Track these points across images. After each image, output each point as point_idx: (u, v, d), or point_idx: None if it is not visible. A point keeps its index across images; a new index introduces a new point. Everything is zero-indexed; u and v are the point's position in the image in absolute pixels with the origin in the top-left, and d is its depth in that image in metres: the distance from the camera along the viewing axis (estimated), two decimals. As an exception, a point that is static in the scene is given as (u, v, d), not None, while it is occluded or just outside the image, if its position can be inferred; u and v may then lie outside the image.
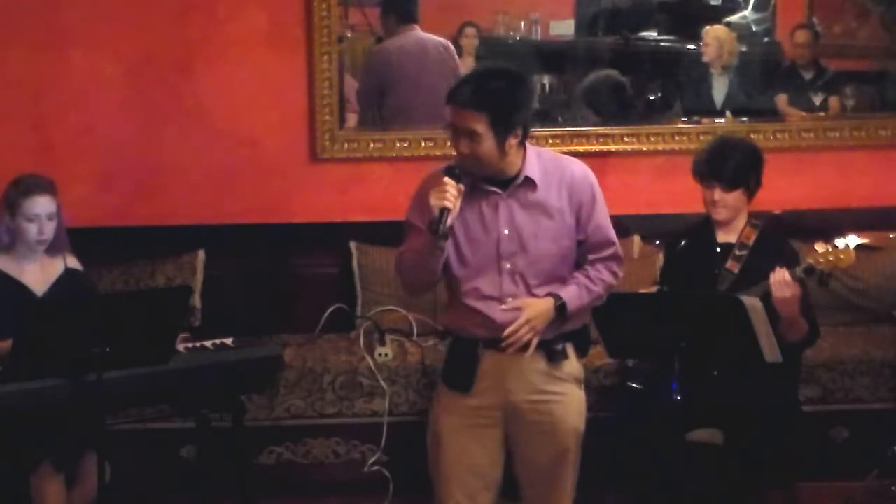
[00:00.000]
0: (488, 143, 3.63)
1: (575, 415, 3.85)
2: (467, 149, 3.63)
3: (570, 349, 3.84)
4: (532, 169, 3.74)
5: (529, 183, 3.73)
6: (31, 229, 4.28)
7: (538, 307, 3.71)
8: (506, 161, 3.71)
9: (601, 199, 3.85)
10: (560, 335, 3.80)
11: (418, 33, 5.70)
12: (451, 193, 3.57)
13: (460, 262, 3.76)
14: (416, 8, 5.70)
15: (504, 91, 3.66)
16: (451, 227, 3.64)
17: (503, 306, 3.73)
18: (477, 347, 3.79)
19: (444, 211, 3.57)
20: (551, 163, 3.80)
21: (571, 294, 3.77)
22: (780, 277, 4.04)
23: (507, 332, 3.68)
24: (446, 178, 3.60)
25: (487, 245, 3.74)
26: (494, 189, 3.74)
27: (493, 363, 3.78)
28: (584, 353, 3.93)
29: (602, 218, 3.84)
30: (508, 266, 3.73)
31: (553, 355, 3.78)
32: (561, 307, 3.74)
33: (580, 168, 3.84)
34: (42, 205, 4.28)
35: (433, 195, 3.59)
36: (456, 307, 3.84)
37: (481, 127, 3.60)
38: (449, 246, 3.72)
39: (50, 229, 4.30)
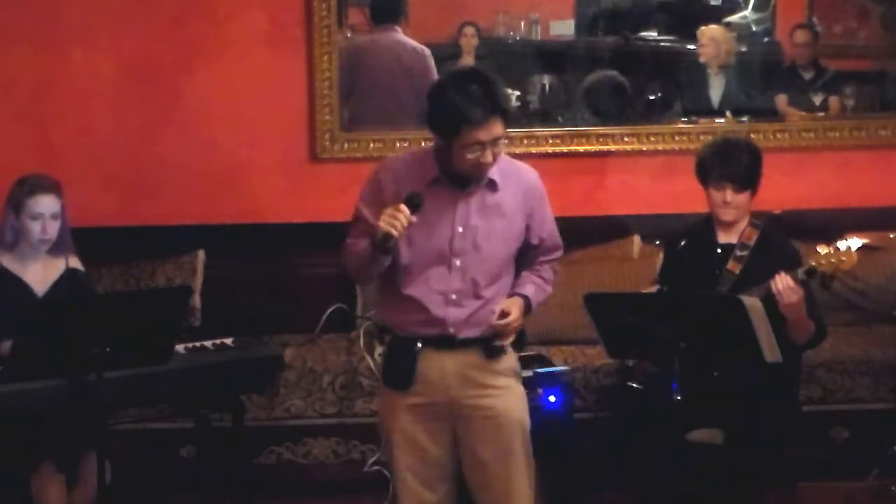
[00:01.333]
0: (503, 144, 3.67)
1: (518, 407, 3.83)
2: (492, 157, 3.63)
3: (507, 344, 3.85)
4: (493, 170, 3.73)
5: (491, 184, 3.74)
6: (35, 228, 4.27)
7: (517, 305, 3.76)
8: None
9: (548, 204, 3.89)
10: (497, 332, 3.79)
11: (396, 35, 5.66)
12: (400, 223, 3.55)
13: (411, 251, 3.72)
14: (397, 9, 5.66)
15: (501, 89, 3.69)
16: (394, 247, 3.63)
17: (496, 321, 3.73)
18: (414, 345, 3.77)
19: (388, 238, 3.56)
20: (507, 165, 3.81)
21: (531, 292, 3.82)
22: (786, 284, 4.03)
23: (500, 324, 3.70)
24: (402, 206, 3.57)
25: (441, 240, 3.72)
26: (456, 187, 3.73)
27: (431, 361, 3.77)
28: (520, 346, 3.94)
29: (552, 222, 3.90)
30: (458, 263, 3.72)
31: (491, 351, 3.78)
32: (528, 303, 3.80)
33: (534, 174, 3.86)
34: (46, 204, 4.28)
35: (383, 218, 3.56)
36: (394, 300, 3.79)
37: (501, 129, 3.63)
38: (402, 240, 3.69)
39: (53, 229, 4.30)
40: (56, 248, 4.35)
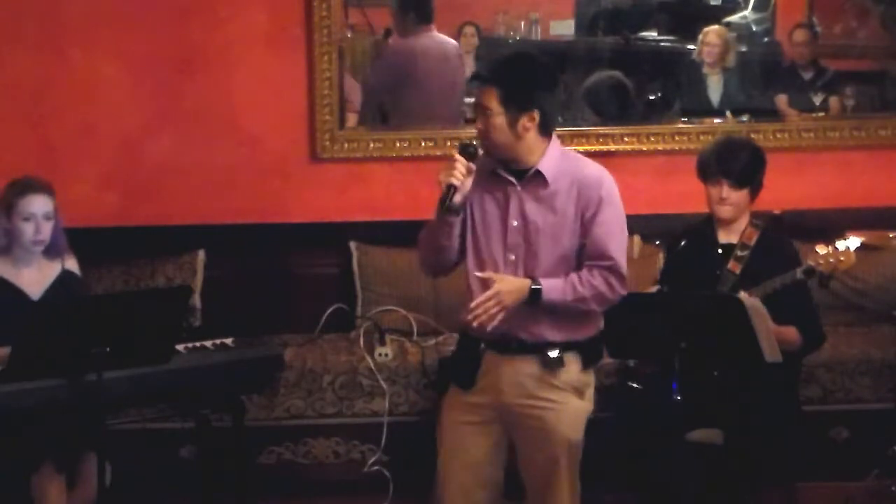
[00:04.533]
0: (499, 121, 3.63)
1: (568, 425, 3.76)
2: (481, 125, 3.66)
3: (570, 358, 3.75)
4: (548, 165, 3.70)
5: (540, 177, 3.71)
6: (28, 229, 4.25)
7: (511, 283, 3.65)
8: (521, 146, 3.68)
9: (613, 211, 3.72)
10: (559, 342, 3.73)
11: (437, 34, 5.69)
12: (458, 171, 3.59)
13: (474, 248, 3.75)
14: (433, 9, 5.68)
15: (519, 69, 3.69)
16: (463, 206, 3.66)
17: (477, 273, 3.69)
18: (479, 346, 3.78)
19: (451, 188, 3.59)
20: (571, 162, 3.76)
21: (552, 284, 3.67)
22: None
23: (474, 303, 3.62)
24: (457, 155, 3.62)
25: (497, 234, 3.73)
26: (510, 178, 3.73)
27: (491, 362, 3.77)
28: (590, 363, 3.83)
29: (606, 229, 3.70)
30: (513, 258, 3.71)
31: (547, 361, 3.72)
32: (535, 292, 3.65)
33: (596, 170, 3.77)
34: (38, 204, 4.25)
35: (443, 171, 3.62)
36: (466, 299, 3.79)
37: (493, 102, 3.62)
38: (467, 231, 3.74)
39: (47, 230, 4.27)
40: (51, 251, 4.33)
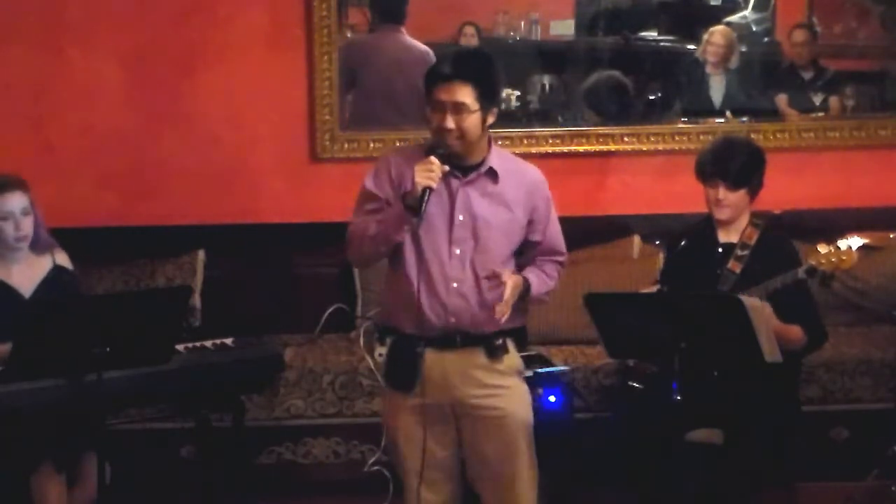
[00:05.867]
0: (474, 117, 3.64)
1: (522, 407, 3.83)
2: (453, 123, 3.62)
3: (510, 343, 3.83)
4: (495, 161, 3.75)
5: (492, 174, 3.74)
6: (8, 228, 4.25)
7: (516, 279, 3.73)
8: (479, 143, 3.72)
9: (554, 209, 3.89)
10: (500, 331, 3.78)
11: (401, 36, 5.64)
12: (436, 174, 3.58)
13: (413, 241, 3.73)
14: (401, 10, 5.65)
15: (487, 64, 3.71)
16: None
17: (484, 274, 3.70)
18: (417, 346, 3.77)
19: (427, 190, 3.58)
20: (512, 162, 3.83)
21: (535, 280, 3.80)
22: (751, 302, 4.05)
23: (504, 302, 3.65)
24: (432, 158, 3.60)
25: (441, 228, 3.72)
26: (455, 173, 3.73)
27: (434, 361, 3.76)
28: (523, 346, 3.95)
29: (556, 225, 3.90)
30: (458, 251, 3.72)
31: (493, 350, 3.77)
32: (528, 287, 3.76)
33: (538, 173, 3.87)
34: (13, 201, 4.25)
35: (419, 173, 3.58)
36: (397, 296, 3.81)
37: (468, 98, 3.61)
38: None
39: (27, 225, 4.27)
40: (37, 246, 4.34)
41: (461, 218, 3.72)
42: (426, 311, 3.72)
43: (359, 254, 3.88)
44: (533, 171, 3.86)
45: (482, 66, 3.69)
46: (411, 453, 3.81)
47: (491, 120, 3.71)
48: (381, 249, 3.79)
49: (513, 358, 3.85)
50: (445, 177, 3.68)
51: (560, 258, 3.92)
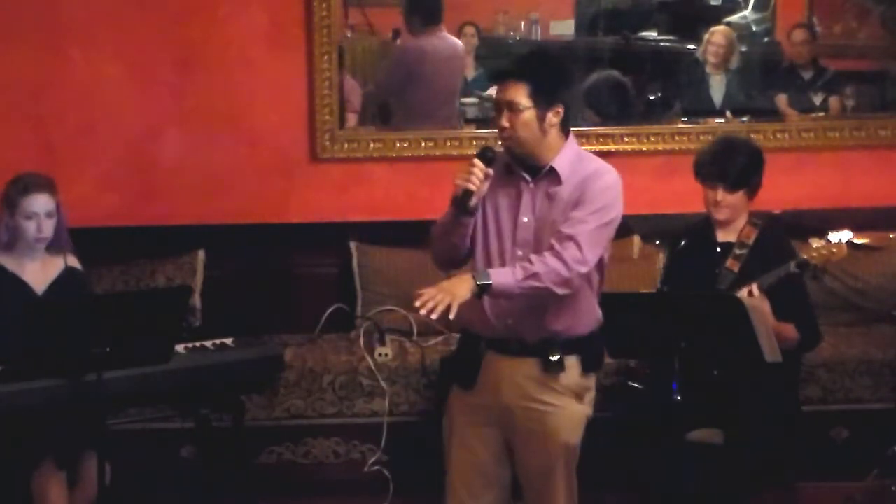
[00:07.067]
0: (528, 116, 3.61)
1: (567, 429, 3.75)
2: (507, 122, 3.62)
3: (571, 362, 3.73)
4: (563, 162, 3.68)
5: (554, 174, 3.68)
6: (30, 227, 4.26)
7: (458, 279, 3.55)
8: (544, 143, 3.66)
9: (600, 210, 3.63)
10: (557, 344, 3.70)
11: (446, 35, 5.69)
12: (476, 176, 3.57)
13: (483, 243, 3.73)
14: (440, 10, 5.67)
15: (545, 64, 3.69)
16: (477, 207, 3.64)
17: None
18: (480, 344, 3.77)
19: (468, 192, 3.58)
20: (582, 162, 3.73)
21: (500, 270, 3.59)
22: (752, 294, 4.05)
23: (422, 295, 3.48)
24: (475, 160, 3.60)
25: (507, 230, 3.71)
26: (524, 175, 3.71)
27: (491, 362, 3.76)
28: (590, 368, 3.81)
29: (582, 218, 3.60)
30: (520, 254, 3.68)
31: (548, 365, 3.71)
32: (484, 278, 3.55)
33: (599, 165, 3.73)
34: (40, 203, 4.26)
35: (458, 174, 3.60)
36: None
37: (522, 97, 3.60)
38: (478, 227, 3.72)
39: (49, 227, 4.28)
40: (54, 247, 4.34)
41: (525, 220, 3.70)
42: (488, 310, 3.70)
43: (433, 251, 3.88)
44: (592, 168, 3.69)
45: (538, 64, 3.67)
46: (459, 453, 3.80)
47: (554, 119, 3.64)
48: (445, 249, 3.78)
49: (570, 376, 3.74)
50: (514, 178, 3.69)
51: (565, 243, 3.58)
